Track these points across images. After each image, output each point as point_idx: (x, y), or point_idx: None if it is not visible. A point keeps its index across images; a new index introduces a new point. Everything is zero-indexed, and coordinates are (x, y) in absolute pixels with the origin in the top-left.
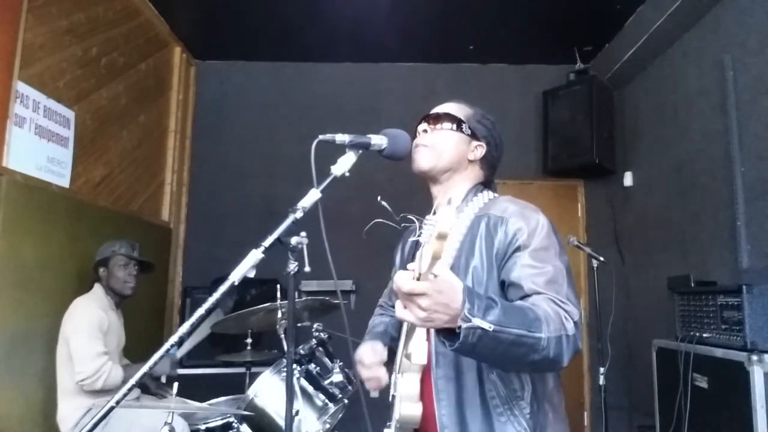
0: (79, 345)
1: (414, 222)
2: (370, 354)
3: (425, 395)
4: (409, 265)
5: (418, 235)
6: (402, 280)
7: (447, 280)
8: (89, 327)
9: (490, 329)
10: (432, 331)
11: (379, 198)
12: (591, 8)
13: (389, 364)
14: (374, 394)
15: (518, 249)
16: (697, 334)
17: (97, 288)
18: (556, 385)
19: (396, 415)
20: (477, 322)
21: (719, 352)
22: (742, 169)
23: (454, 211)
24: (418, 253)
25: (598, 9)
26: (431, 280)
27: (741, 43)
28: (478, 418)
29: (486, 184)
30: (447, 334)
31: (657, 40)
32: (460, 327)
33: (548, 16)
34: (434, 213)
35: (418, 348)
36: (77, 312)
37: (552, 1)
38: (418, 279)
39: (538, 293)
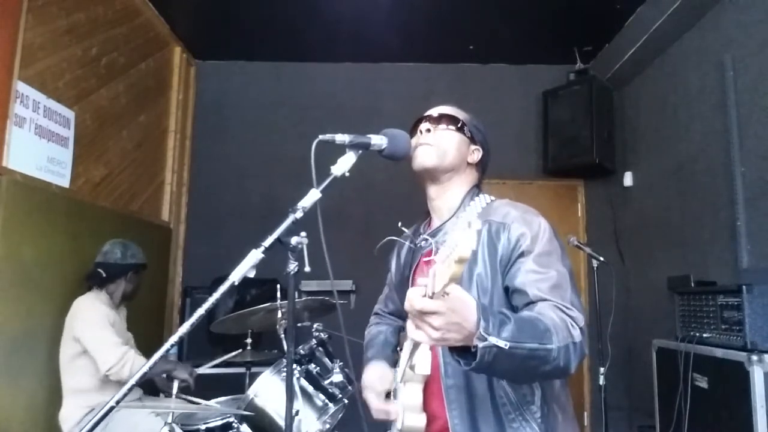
0: (95, 339)
1: (412, 229)
2: (377, 383)
3: (434, 404)
4: (420, 281)
5: (435, 252)
6: (415, 297)
7: (460, 298)
8: (100, 322)
9: (506, 346)
10: None
11: (400, 224)
12: (591, 8)
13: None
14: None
15: (522, 254)
16: (697, 334)
17: (98, 289)
18: (562, 385)
19: (399, 425)
20: (493, 340)
21: (719, 352)
22: (742, 169)
23: (476, 235)
24: (431, 270)
25: (598, 9)
26: (444, 298)
27: (741, 43)
28: (491, 425)
29: (478, 187)
30: (460, 351)
31: (657, 40)
32: (476, 346)
33: (548, 16)
34: (428, 217)
35: (423, 359)
36: (84, 310)
37: (552, 1)
38: (431, 297)
39: (543, 300)
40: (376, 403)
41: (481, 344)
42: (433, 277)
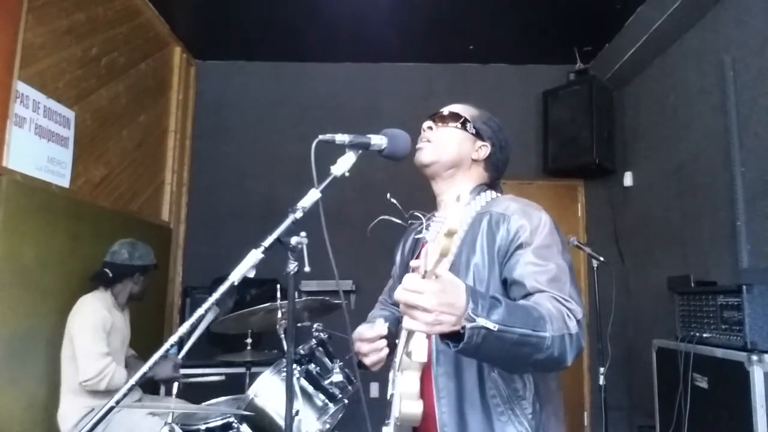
0: (82, 345)
1: (419, 219)
2: (368, 329)
3: (425, 393)
4: (413, 262)
5: (425, 232)
6: (406, 279)
7: (450, 280)
8: (93, 327)
9: (495, 329)
10: None
11: (388, 195)
12: (591, 8)
13: (390, 343)
14: (375, 368)
15: (520, 246)
16: (697, 334)
17: (103, 290)
18: (556, 386)
19: (396, 413)
20: (481, 321)
21: (719, 352)
22: (742, 169)
23: (464, 207)
24: (423, 250)
25: (598, 9)
26: (434, 280)
27: (741, 43)
28: (478, 417)
29: (490, 186)
30: (450, 335)
31: (657, 40)
32: (464, 327)
33: (548, 16)
34: (437, 212)
35: (419, 345)
36: (82, 312)
37: (552, 2)
38: (424, 276)
39: (541, 291)
40: (366, 347)
41: (469, 325)
42: (425, 256)
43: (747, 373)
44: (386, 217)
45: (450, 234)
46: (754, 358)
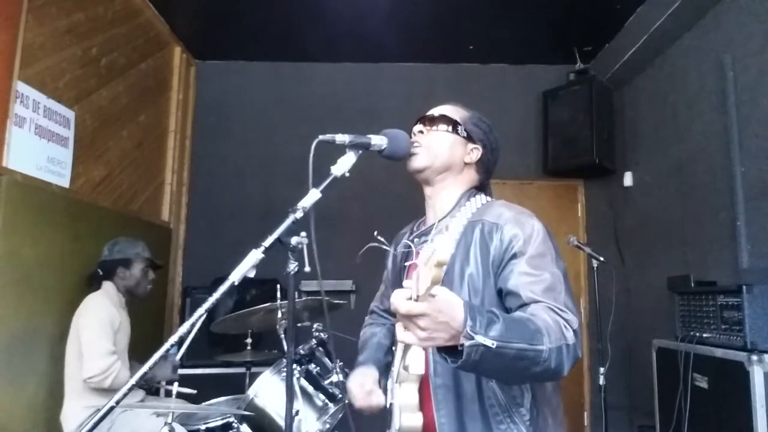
0: (90, 342)
1: (409, 242)
2: (359, 391)
3: (424, 403)
4: (405, 283)
5: (415, 255)
6: (399, 300)
7: (446, 299)
8: (101, 324)
9: (493, 346)
10: None
11: (375, 233)
12: (591, 8)
13: (383, 377)
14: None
15: (514, 256)
16: (697, 334)
17: (109, 286)
18: (554, 388)
19: (396, 425)
20: (479, 339)
21: (719, 352)
22: (742, 169)
23: (453, 241)
24: (414, 274)
25: (598, 9)
26: (429, 300)
27: (741, 43)
28: (478, 426)
29: (481, 188)
30: (448, 350)
31: (657, 40)
32: (462, 345)
33: (548, 16)
34: (425, 222)
35: (416, 358)
36: (91, 309)
37: (552, 1)
38: (416, 299)
39: (537, 302)
40: (359, 404)
41: (467, 343)
42: (417, 280)
43: (747, 373)
44: (375, 244)
45: (440, 265)
46: (754, 358)
